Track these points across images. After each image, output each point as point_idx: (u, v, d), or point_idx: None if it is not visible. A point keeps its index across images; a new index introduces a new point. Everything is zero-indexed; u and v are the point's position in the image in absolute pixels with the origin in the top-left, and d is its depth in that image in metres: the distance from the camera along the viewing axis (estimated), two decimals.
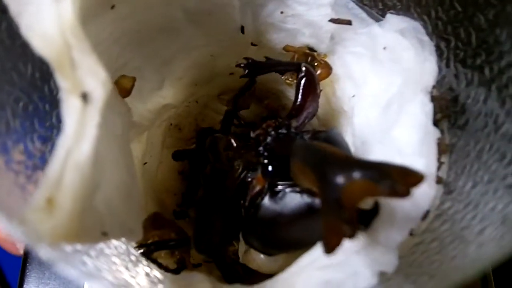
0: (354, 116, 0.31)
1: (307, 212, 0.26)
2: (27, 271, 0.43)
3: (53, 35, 0.19)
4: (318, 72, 0.33)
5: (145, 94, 0.32)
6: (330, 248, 0.18)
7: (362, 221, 0.24)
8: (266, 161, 0.28)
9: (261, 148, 0.28)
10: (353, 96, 0.32)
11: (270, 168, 0.27)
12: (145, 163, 0.35)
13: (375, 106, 0.29)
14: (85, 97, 0.19)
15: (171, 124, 0.40)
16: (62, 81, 0.19)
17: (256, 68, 0.33)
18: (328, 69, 0.33)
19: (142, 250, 0.28)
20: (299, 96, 0.31)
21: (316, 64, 0.33)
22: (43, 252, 0.16)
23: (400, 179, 0.18)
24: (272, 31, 0.33)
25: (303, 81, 0.31)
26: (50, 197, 0.18)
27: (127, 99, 0.29)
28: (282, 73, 0.33)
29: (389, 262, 0.22)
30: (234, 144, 0.32)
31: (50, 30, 0.19)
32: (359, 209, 0.21)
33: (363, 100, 0.30)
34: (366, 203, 0.23)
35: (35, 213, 0.18)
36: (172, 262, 0.30)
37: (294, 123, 0.30)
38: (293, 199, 0.26)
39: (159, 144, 0.38)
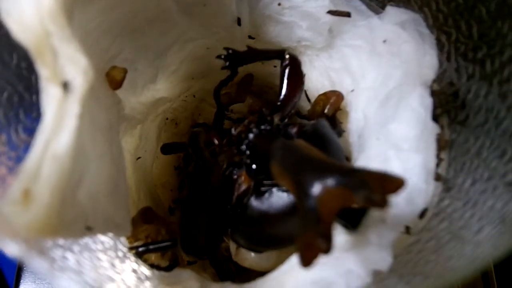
0: (352, 111, 0.30)
1: (294, 210, 0.25)
2: (24, 266, 0.42)
3: (31, 21, 0.18)
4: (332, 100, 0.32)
5: (138, 87, 0.32)
6: (306, 262, 0.17)
7: (351, 221, 0.23)
8: (249, 160, 0.27)
9: (243, 146, 0.27)
10: (352, 90, 0.31)
11: (253, 166, 0.27)
12: (139, 157, 0.34)
13: (373, 100, 0.28)
14: (65, 86, 0.18)
15: (167, 119, 0.39)
16: (42, 69, 0.18)
17: (237, 58, 0.31)
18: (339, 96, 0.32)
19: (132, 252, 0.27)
20: (284, 86, 0.30)
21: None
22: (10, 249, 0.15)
23: (377, 186, 0.17)
24: (269, 24, 0.32)
25: (287, 70, 0.30)
26: (26, 189, 0.17)
27: (119, 92, 0.28)
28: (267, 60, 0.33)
29: (383, 260, 0.21)
30: (216, 141, 0.31)
31: (28, 16, 0.18)
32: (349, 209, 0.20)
33: (361, 94, 0.30)
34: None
35: (10, 206, 0.17)
36: (164, 261, 0.30)
37: (277, 118, 0.29)
38: (279, 198, 0.26)
39: (154, 139, 0.37)
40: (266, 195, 0.26)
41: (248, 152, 0.27)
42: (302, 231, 0.18)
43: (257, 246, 0.29)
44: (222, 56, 0.31)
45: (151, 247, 0.28)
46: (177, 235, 0.28)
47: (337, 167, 0.19)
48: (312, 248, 0.17)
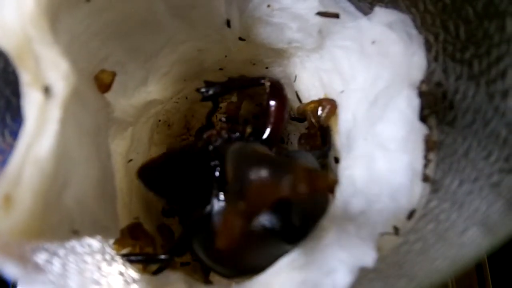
0: (341, 112, 0.30)
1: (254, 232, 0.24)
2: None
3: (13, 26, 0.18)
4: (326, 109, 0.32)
5: (129, 89, 0.32)
6: (223, 241, 0.19)
7: (289, 237, 0.23)
8: (213, 163, 0.27)
9: (211, 147, 0.28)
10: (342, 91, 0.31)
11: (217, 172, 0.27)
12: (130, 160, 0.34)
13: (362, 101, 0.28)
14: (46, 91, 0.18)
15: (159, 121, 0.39)
16: (23, 74, 0.18)
17: (216, 91, 0.33)
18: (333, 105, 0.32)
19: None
20: (269, 114, 0.31)
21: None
22: None
23: (304, 180, 0.18)
24: (259, 25, 0.32)
25: (270, 98, 0.31)
26: (7, 194, 0.17)
27: (109, 95, 0.28)
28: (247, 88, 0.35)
29: (367, 255, 0.21)
30: None
31: (9, 21, 0.18)
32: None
33: (351, 95, 0.29)
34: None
35: None
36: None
37: (249, 128, 0.29)
38: None
39: (147, 141, 0.37)
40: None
41: (213, 155, 0.28)
42: (227, 211, 0.20)
43: (220, 270, 0.28)
44: (202, 89, 0.32)
45: (133, 258, 0.27)
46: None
47: (271, 160, 0.21)
48: (231, 229, 0.18)
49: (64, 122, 0.19)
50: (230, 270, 0.27)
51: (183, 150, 0.32)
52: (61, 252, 0.21)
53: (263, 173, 0.19)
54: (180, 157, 0.30)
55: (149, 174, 0.31)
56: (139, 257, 0.29)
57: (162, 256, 0.29)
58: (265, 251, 0.24)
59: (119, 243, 0.29)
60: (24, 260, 0.18)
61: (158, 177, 0.31)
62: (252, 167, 0.20)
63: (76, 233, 0.21)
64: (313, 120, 0.32)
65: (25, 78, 0.18)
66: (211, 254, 0.26)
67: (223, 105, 0.42)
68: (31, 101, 0.18)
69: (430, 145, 0.26)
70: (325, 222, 0.25)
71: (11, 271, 0.16)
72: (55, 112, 0.18)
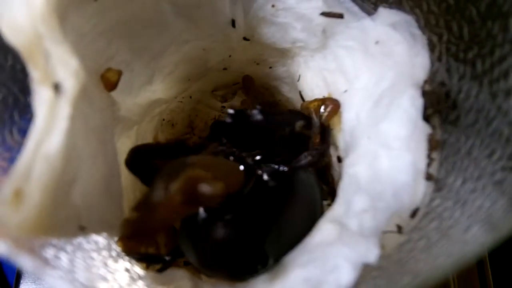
0: (345, 111, 0.30)
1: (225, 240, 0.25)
2: None
3: (23, 23, 0.18)
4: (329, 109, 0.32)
5: (135, 88, 0.32)
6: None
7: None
8: None
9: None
10: (345, 91, 0.31)
11: None
12: None
13: (366, 100, 0.28)
14: (56, 88, 0.18)
15: (163, 120, 0.40)
16: (33, 71, 0.19)
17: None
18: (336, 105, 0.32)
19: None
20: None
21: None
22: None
23: (181, 187, 0.20)
24: (264, 25, 0.32)
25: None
26: (17, 189, 0.17)
27: (115, 93, 0.28)
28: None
29: (370, 252, 0.21)
30: None
31: (20, 19, 0.18)
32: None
33: (354, 95, 0.30)
34: None
35: (1, 206, 0.17)
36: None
37: (246, 153, 0.29)
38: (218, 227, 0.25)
39: (151, 140, 0.38)
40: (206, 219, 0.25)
41: None
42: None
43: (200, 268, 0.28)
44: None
45: (137, 256, 0.27)
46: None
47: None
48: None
49: (73, 119, 0.19)
50: (212, 272, 0.27)
51: (177, 144, 0.32)
52: (69, 248, 0.21)
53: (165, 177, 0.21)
54: (173, 151, 0.31)
55: (138, 158, 0.31)
56: (142, 256, 0.29)
57: (166, 258, 0.29)
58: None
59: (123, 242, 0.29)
60: (34, 254, 0.18)
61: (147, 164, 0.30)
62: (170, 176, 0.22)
63: (82, 230, 0.22)
64: (315, 118, 0.32)
65: (35, 75, 0.19)
66: (194, 253, 0.26)
67: (227, 104, 0.42)
68: (41, 98, 0.19)
69: (433, 144, 0.26)
70: (328, 220, 0.25)
71: (23, 264, 0.16)
72: (64, 109, 0.18)
